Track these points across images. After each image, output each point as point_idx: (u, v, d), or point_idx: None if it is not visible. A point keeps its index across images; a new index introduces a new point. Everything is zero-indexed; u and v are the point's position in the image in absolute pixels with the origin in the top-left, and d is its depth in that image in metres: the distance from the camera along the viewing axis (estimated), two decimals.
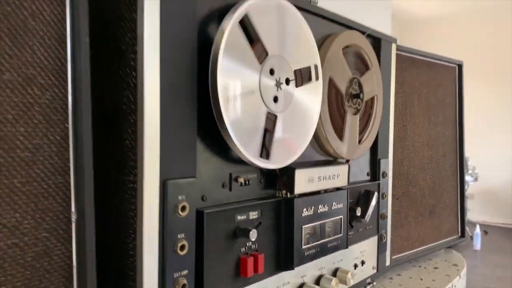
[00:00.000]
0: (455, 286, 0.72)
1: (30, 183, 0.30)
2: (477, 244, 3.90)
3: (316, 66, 0.50)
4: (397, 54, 0.73)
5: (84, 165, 0.32)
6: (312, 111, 0.50)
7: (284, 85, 0.45)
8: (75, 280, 0.33)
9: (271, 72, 0.44)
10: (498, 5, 4.71)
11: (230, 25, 0.39)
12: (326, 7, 0.55)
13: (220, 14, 0.41)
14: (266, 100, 0.43)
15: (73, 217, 0.33)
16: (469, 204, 4.52)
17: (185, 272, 0.39)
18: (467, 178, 4.19)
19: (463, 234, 0.92)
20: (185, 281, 0.38)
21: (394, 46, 0.70)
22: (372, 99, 0.63)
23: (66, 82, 0.32)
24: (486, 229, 4.58)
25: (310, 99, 0.50)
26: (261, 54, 0.43)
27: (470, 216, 4.73)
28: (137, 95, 0.36)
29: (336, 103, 0.57)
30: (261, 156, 0.43)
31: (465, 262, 0.83)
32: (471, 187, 4.81)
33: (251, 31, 0.42)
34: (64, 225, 0.32)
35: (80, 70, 0.32)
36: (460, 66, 0.92)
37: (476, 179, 4.30)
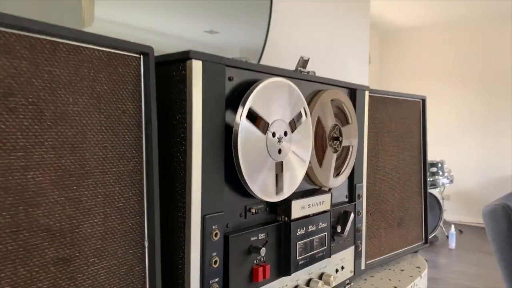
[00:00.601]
0: (416, 285, 0.90)
1: (122, 223, 0.46)
2: (452, 243, 4.07)
3: (304, 108, 0.65)
4: (370, 96, 0.90)
5: (154, 209, 0.48)
6: (303, 161, 0.66)
7: (283, 140, 0.62)
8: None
9: (273, 135, 0.60)
10: (477, 16, 4.97)
11: (241, 122, 0.55)
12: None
13: (240, 92, 0.57)
14: (272, 153, 0.59)
15: (146, 244, 0.48)
16: (445, 204, 4.73)
17: (217, 279, 0.55)
18: (443, 180, 4.35)
19: (426, 241, 1.10)
20: (217, 286, 0.54)
21: (367, 93, 0.87)
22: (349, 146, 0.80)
23: (142, 153, 0.48)
24: (461, 229, 4.76)
25: (302, 153, 0.66)
26: (264, 126, 0.59)
27: (446, 216, 4.93)
28: (186, 157, 0.51)
29: (321, 143, 0.73)
30: (276, 193, 0.60)
31: (426, 265, 1.00)
32: (447, 188, 5.02)
33: (255, 115, 0.57)
34: (141, 250, 0.48)
35: (151, 144, 0.48)
36: (423, 101, 1.10)
37: (451, 181, 4.44)
